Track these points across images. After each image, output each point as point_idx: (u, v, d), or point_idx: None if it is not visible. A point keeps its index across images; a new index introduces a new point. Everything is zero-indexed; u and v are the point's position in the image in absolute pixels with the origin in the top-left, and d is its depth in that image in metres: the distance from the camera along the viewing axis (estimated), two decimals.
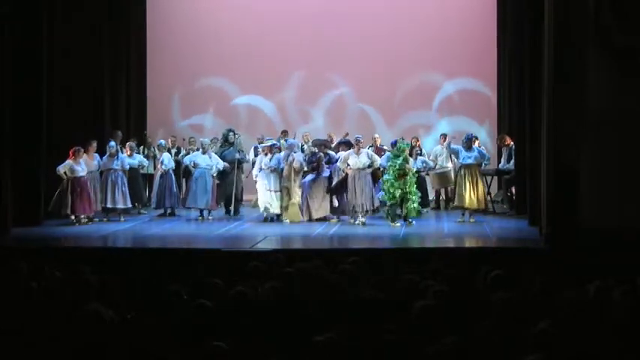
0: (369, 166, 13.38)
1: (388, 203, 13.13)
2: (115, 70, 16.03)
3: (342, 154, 13.93)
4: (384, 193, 13.23)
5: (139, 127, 17.00)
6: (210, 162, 14.13)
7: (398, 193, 12.99)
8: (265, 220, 13.82)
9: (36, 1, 13.21)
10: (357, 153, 13.42)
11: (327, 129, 17.25)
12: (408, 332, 5.01)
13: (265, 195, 13.75)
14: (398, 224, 13.00)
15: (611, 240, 9.69)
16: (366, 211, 13.29)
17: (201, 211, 14.14)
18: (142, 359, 4.75)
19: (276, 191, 13.72)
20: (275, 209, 13.74)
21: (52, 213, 13.41)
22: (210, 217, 14.11)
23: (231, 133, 14.74)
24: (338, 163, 13.62)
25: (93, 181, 13.85)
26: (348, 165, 13.35)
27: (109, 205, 13.88)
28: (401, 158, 13.12)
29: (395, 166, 13.07)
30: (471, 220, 13.46)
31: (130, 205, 14.25)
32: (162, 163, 14.72)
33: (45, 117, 13.49)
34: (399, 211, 13.26)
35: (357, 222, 13.31)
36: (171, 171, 14.75)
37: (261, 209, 13.88)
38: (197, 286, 6.33)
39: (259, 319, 5.40)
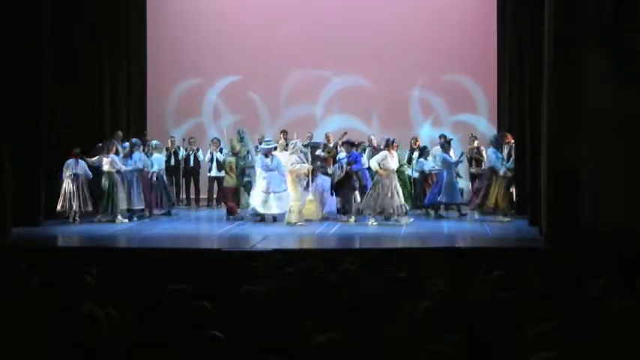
0: None
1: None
2: (115, 70, 16.03)
3: (342, 155, 13.98)
4: None
5: (139, 127, 17.00)
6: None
7: None
8: (262, 220, 13.80)
9: (36, 2, 13.21)
10: (391, 154, 13.42)
11: (327, 129, 17.26)
12: (408, 332, 5.01)
13: (260, 196, 13.68)
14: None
15: (611, 240, 9.69)
16: (405, 211, 13.34)
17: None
18: (141, 359, 4.75)
19: (274, 192, 13.65)
20: (275, 210, 13.68)
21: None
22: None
23: (237, 135, 14.63)
24: (371, 164, 13.55)
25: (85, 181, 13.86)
26: (381, 166, 13.31)
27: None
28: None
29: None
30: (505, 219, 13.48)
31: (125, 207, 14.19)
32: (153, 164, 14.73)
33: (45, 117, 13.48)
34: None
35: (399, 223, 13.31)
36: (161, 172, 14.69)
37: (260, 210, 13.83)
38: (197, 287, 6.32)
39: (259, 320, 5.39)
